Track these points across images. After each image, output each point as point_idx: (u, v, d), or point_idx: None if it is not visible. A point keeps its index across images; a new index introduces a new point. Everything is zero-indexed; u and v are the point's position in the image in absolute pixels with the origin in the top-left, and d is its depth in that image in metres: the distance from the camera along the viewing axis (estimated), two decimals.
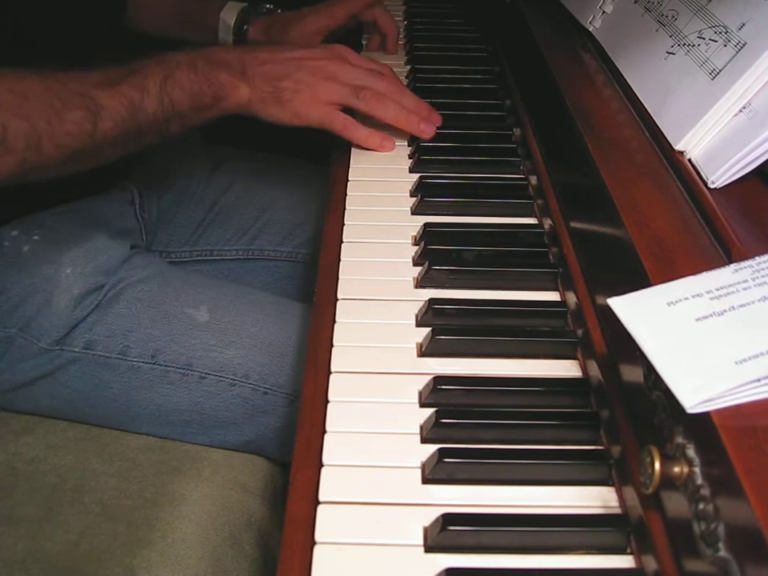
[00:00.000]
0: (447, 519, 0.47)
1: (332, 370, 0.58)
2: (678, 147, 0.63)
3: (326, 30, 1.07)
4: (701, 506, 0.40)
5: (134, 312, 0.85)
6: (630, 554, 0.47)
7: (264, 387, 0.83)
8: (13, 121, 0.65)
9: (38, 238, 0.86)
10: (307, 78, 0.82)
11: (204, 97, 0.79)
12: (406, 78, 1.04)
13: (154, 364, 0.83)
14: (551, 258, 0.69)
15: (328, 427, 0.54)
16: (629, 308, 0.48)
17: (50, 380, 0.84)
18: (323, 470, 0.51)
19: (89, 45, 0.91)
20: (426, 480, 0.51)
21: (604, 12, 0.86)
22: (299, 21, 1.06)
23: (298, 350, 0.83)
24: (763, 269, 0.47)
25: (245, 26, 1.10)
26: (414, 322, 0.63)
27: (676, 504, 0.43)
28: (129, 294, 0.85)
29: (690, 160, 0.62)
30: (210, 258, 1.06)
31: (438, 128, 0.88)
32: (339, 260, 0.70)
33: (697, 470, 0.41)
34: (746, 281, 0.47)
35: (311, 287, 0.68)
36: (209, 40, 1.11)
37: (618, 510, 0.49)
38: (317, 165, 1.12)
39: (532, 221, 0.76)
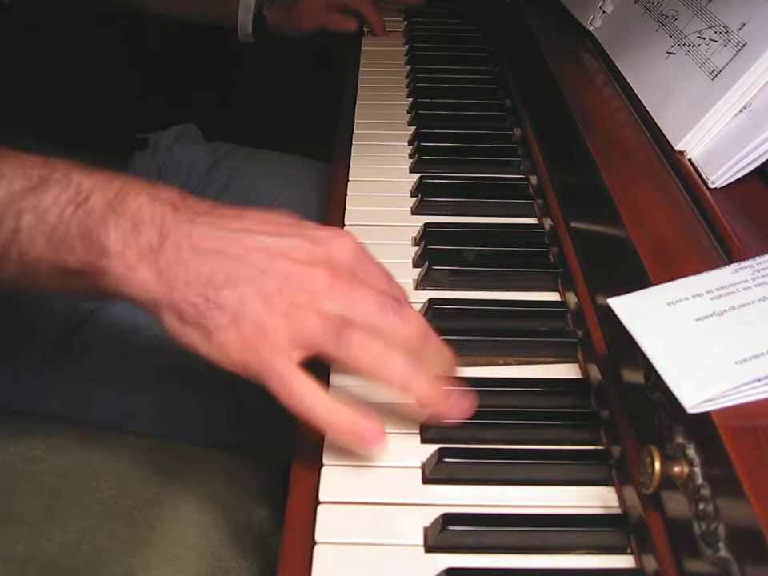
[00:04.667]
0: (447, 519, 0.47)
1: (332, 370, 0.58)
2: (678, 147, 0.63)
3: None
4: (701, 506, 0.40)
5: (135, 313, 0.85)
6: (630, 554, 0.47)
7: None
8: None
9: None
10: (262, 298, 0.48)
11: (67, 254, 0.50)
12: (406, 77, 1.05)
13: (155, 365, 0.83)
14: (551, 258, 0.69)
15: None
16: (629, 308, 0.48)
17: (49, 382, 0.84)
18: (323, 469, 0.51)
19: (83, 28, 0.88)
20: (426, 480, 0.51)
21: (604, 12, 0.86)
22: None
23: None
24: (763, 269, 0.47)
25: (263, 10, 1.09)
26: None
27: (676, 504, 0.43)
28: None
29: (690, 160, 0.62)
30: None
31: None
32: None
33: (697, 469, 0.41)
34: (746, 281, 0.47)
35: None
36: (224, 22, 1.09)
37: (618, 510, 0.49)
38: (320, 162, 1.11)
39: (532, 221, 0.76)
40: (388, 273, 0.54)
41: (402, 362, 0.48)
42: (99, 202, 0.50)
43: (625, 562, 0.47)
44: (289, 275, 0.48)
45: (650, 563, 0.45)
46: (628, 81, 0.74)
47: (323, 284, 0.48)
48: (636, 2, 0.81)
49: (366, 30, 1.18)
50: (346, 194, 0.79)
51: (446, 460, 0.50)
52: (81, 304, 0.82)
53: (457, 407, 0.50)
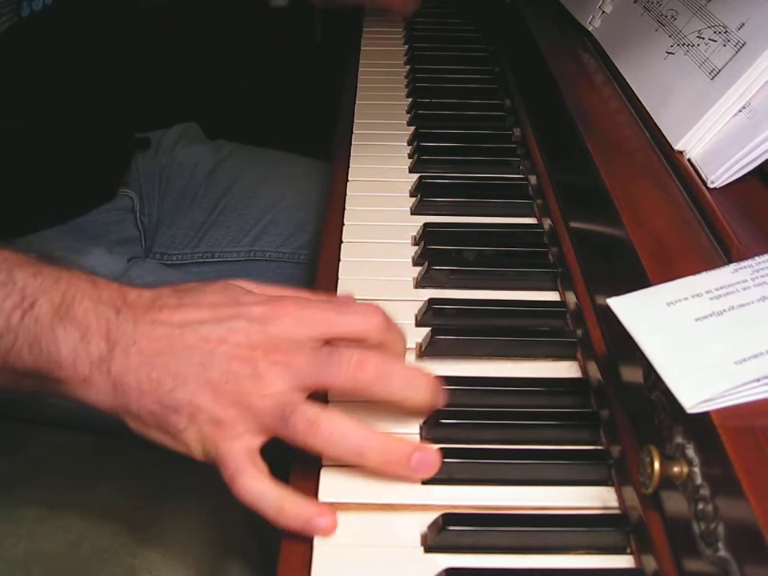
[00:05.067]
0: (447, 519, 0.47)
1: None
2: (677, 147, 0.63)
3: None
4: (700, 506, 0.40)
5: None
6: (630, 554, 0.47)
7: None
8: None
9: (34, 255, 0.84)
10: (211, 393, 0.49)
11: (16, 361, 0.50)
12: (406, 77, 1.05)
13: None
14: (551, 257, 0.69)
15: None
16: (628, 308, 0.48)
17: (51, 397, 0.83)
18: (323, 470, 0.51)
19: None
20: (425, 480, 0.51)
21: (604, 12, 0.86)
22: None
23: None
24: (763, 269, 0.47)
25: None
26: (413, 321, 0.63)
27: (675, 504, 0.43)
28: None
29: (689, 160, 0.62)
30: (211, 259, 1.05)
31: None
32: (339, 260, 0.70)
33: (696, 469, 0.41)
34: (745, 281, 0.47)
35: (313, 288, 0.68)
36: None
37: (618, 510, 0.49)
38: (321, 161, 1.11)
39: (532, 221, 0.76)
40: (329, 309, 0.53)
41: (351, 435, 0.49)
42: (45, 307, 0.50)
43: (624, 562, 0.47)
44: (231, 363, 0.49)
45: (650, 563, 0.45)
46: (627, 81, 0.74)
47: (264, 366, 0.49)
48: (635, 2, 0.81)
49: (364, 29, 1.17)
50: (345, 194, 0.79)
51: (446, 460, 0.50)
52: None
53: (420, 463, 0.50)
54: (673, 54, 0.70)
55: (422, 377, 0.51)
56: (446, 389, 0.55)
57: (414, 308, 0.64)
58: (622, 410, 0.51)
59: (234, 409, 0.49)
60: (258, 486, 0.49)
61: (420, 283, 0.67)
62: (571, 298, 0.63)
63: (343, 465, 0.51)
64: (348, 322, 0.52)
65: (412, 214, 0.77)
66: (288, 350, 0.50)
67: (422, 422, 0.54)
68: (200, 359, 0.49)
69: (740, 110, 0.61)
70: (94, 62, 0.91)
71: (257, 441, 0.50)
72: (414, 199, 0.78)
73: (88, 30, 0.90)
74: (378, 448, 0.49)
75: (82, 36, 0.88)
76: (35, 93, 0.84)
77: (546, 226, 0.73)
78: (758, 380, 0.41)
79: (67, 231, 0.89)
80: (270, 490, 0.49)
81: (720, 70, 0.63)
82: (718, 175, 0.58)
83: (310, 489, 0.50)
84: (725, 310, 0.45)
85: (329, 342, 0.52)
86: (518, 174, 0.83)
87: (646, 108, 0.69)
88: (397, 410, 0.53)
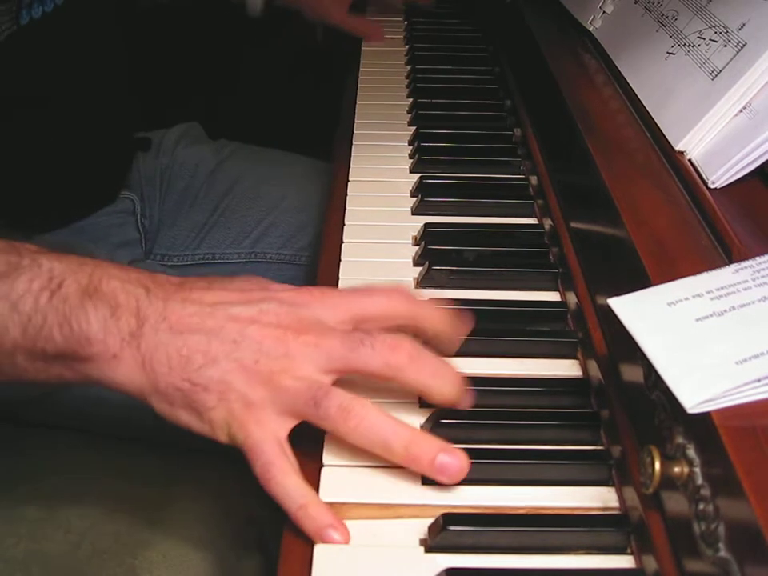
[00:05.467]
0: (447, 519, 0.47)
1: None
2: (678, 147, 0.63)
3: None
4: (701, 506, 0.40)
5: None
6: (630, 554, 0.47)
7: None
8: None
9: None
10: (242, 372, 0.49)
11: (46, 343, 0.49)
12: (406, 77, 1.05)
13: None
14: (551, 258, 0.69)
15: None
16: (629, 308, 0.48)
17: (52, 399, 0.83)
18: (323, 470, 0.51)
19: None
20: (425, 480, 0.50)
21: (604, 12, 0.86)
22: None
23: None
24: (763, 269, 0.47)
25: None
26: None
27: (676, 504, 0.43)
28: None
29: (690, 160, 0.62)
30: (212, 261, 1.05)
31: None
32: (339, 260, 0.70)
33: (697, 470, 0.41)
34: (746, 281, 0.47)
35: None
36: None
37: (618, 510, 0.49)
38: (322, 161, 1.11)
39: (532, 221, 0.76)
40: (353, 293, 0.54)
41: (381, 425, 0.48)
42: (73, 287, 0.50)
43: (625, 562, 0.47)
44: (262, 341, 0.49)
45: (650, 563, 0.45)
46: (628, 81, 0.74)
47: (295, 346, 0.49)
48: (636, 2, 0.81)
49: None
50: (346, 194, 0.79)
51: None
52: None
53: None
54: (673, 54, 0.70)
55: (452, 369, 0.51)
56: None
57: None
58: (622, 410, 0.51)
59: (265, 389, 0.48)
60: (288, 481, 0.48)
61: (421, 283, 0.67)
62: (572, 298, 0.63)
63: (344, 465, 0.51)
64: (375, 302, 0.53)
65: (413, 214, 0.77)
66: (320, 331, 0.50)
67: (422, 421, 0.54)
68: (232, 337, 0.49)
69: (741, 111, 0.61)
70: (94, 65, 0.91)
71: (286, 425, 0.49)
72: (414, 199, 0.78)
73: (88, 34, 0.90)
74: (406, 442, 0.48)
75: (83, 40, 0.88)
76: (35, 97, 0.84)
77: (547, 227, 0.73)
78: (759, 380, 0.41)
79: (68, 234, 0.89)
80: (299, 487, 0.48)
81: (721, 71, 0.63)
82: (719, 175, 0.58)
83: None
84: (725, 310, 0.45)
85: (359, 328, 0.52)
86: (519, 175, 0.83)
87: (647, 108, 0.69)
88: (422, 398, 0.53)
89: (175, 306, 0.50)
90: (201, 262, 1.05)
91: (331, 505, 0.48)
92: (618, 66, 0.77)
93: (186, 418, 0.50)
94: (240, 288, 0.52)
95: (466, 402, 0.52)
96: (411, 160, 0.85)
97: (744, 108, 0.60)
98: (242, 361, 0.49)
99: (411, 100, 0.98)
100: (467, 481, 0.50)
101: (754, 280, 0.47)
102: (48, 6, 0.80)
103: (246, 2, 1.11)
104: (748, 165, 0.58)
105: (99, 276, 0.50)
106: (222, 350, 0.49)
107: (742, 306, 0.45)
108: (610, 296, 0.49)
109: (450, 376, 0.51)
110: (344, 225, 0.74)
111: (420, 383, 0.50)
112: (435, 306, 0.55)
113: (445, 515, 0.47)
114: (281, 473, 0.48)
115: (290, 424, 0.50)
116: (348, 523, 0.48)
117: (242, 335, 0.49)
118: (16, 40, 0.78)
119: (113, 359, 0.49)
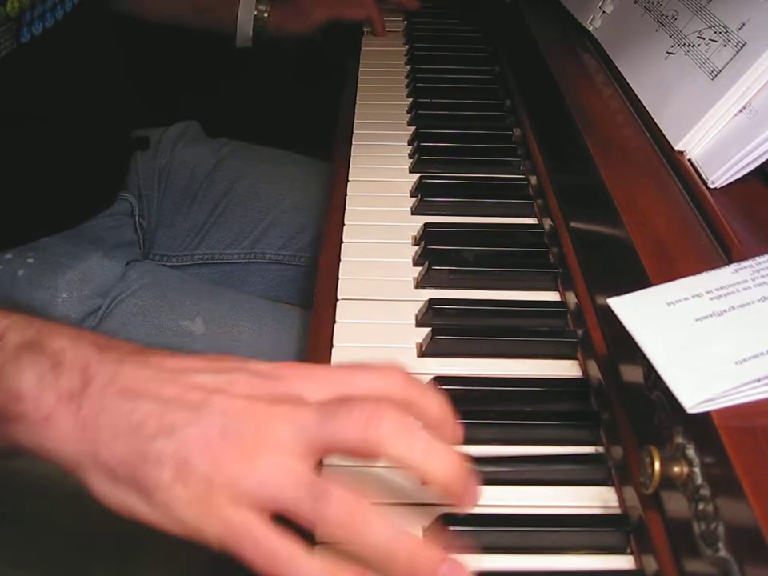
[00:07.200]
0: (447, 519, 0.47)
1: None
2: (678, 147, 0.63)
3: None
4: (700, 506, 0.40)
5: (128, 327, 0.83)
6: (630, 554, 0.47)
7: None
8: None
9: (32, 261, 0.84)
10: (203, 445, 0.40)
11: None
12: (406, 77, 1.04)
13: None
14: (551, 258, 0.69)
15: None
16: (629, 308, 0.48)
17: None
18: (323, 470, 0.50)
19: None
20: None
21: (604, 12, 0.86)
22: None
23: (297, 359, 0.83)
24: (763, 269, 0.47)
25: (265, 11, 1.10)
26: (413, 322, 0.63)
27: (676, 504, 0.43)
28: (122, 309, 0.84)
29: (690, 160, 0.62)
30: (211, 261, 1.04)
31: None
32: (339, 260, 0.70)
33: (697, 470, 0.41)
34: (745, 281, 0.47)
35: (313, 291, 0.68)
36: (223, 26, 1.10)
37: (618, 510, 0.49)
38: (322, 161, 1.11)
39: (532, 221, 0.76)
40: (343, 370, 0.46)
41: (383, 534, 0.40)
42: (15, 339, 0.44)
43: (624, 562, 0.47)
44: (228, 413, 0.41)
45: (650, 563, 0.45)
46: (628, 81, 0.74)
47: (265, 417, 0.41)
48: (636, 2, 0.81)
49: (365, 29, 1.18)
50: (346, 194, 0.79)
51: None
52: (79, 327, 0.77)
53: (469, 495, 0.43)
54: (673, 54, 0.70)
55: (449, 448, 0.42)
56: (446, 389, 0.55)
57: (415, 308, 0.64)
58: (622, 410, 0.51)
59: (233, 468, 0.40)
60: (295, 557, 0.40)
61: (420, 283, 0.67)
62: (572, 298, 0.63)
63: (344, 465, 0.51)
64: (366, 381, 0.43)
65: (412, 214, 0.77)
66: (294, 403, 0.42)
67: None
68: (192, 405, 0.41)
69: (740, 110, 0.61)
70: (94, 74, 0.91)
71: (268, 510, 0.40)
72: (414, 199, 0.78)
73: (89, 45, 0.89)
74: (409, 552, 0.40)
75: (83, 52, 0.88)
76: (35, 110, 0.83)
77: (547, 226, 0.73)
78: (759, 380, 0.41)
79: (65, 236, 0.89)
80: (307, 557, 0.40)
81: (720, 70, 0.63)
82: (719, 175, 0.58)
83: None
84: (725, 310, 0.45)
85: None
86: (519, 174, 0.83)
87: (647, 108, 0.69)
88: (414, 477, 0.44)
89: (130, 369, 0.43)
90: (200, 261, 1.04)
91: None
92: (618, 66, 0.77)
93: (132, 500, 0.41)
94: (209, 358, 0.45)
95: (469, 497, 0.42)
96: (411, 160, 0.85)
97: (744, 108, 0.60)
98: (205, 431, 0.40)
99: (411, 100, 0.98)
100: None
101: (753, 280, 0.47)
102: (49, 21, 0.80)
103: (236, 35, 1.13)
104: (748, 165, 0.58)
105: (47, 332, 0.44)
106: (181, 418, 0.41)
107: (742, 305, 0.45)
108: (610, 296, 0.49)
109: (446, 455, 0.41)
110: (344, 225, 0.74)
111: (404, 459, 0.41)
112: (434, 392, 0.45)
113: (445, 515, 0.47)
114: (279, 546, 0.39)
115: (270, 511, 0.40)
116: None
117: (204, 404, 0.41)
118: (15, 57, 0.78)
119: (44, 420, 0.42)
